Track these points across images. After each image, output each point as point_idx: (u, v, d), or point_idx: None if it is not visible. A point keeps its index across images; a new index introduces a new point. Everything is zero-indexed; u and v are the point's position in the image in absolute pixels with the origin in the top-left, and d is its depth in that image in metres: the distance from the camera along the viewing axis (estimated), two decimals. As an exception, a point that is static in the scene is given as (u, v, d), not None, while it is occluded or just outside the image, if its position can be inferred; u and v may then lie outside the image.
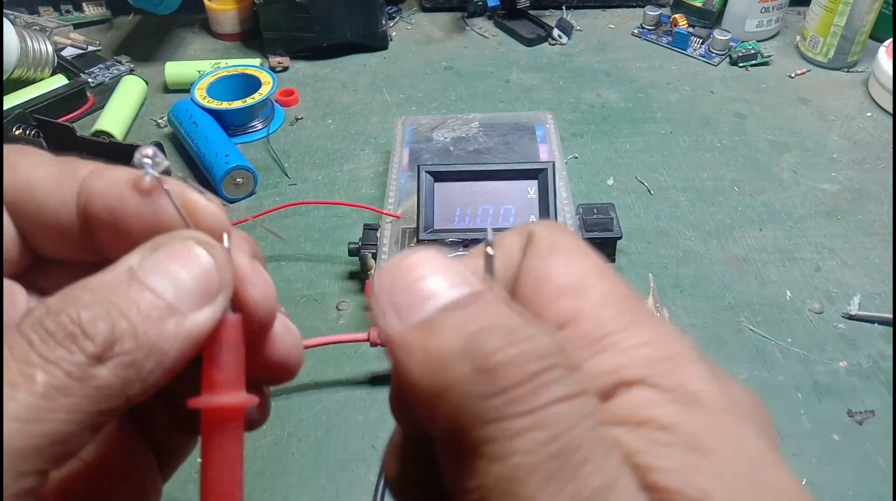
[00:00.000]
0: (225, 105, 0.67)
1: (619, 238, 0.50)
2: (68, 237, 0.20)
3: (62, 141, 0.65)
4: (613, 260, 0.52)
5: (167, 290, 0.18)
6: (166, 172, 0.19)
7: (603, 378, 0.16)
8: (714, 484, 0.15)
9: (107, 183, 0.19)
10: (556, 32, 0.84)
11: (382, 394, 0.46)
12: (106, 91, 0.74)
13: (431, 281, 0.16)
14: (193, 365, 0.19)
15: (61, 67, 0.76)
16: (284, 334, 0.21)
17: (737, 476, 0.15)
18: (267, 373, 0.21)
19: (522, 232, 0.19)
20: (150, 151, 0.18)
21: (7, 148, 0.20)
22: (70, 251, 0.20)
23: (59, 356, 0.16)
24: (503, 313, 0.16)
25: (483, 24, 0.88)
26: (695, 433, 0.15)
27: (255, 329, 0.20)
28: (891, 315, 0.50)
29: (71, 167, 0.20)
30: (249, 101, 0.68)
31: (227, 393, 0.19)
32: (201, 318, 0.18)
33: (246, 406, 0.19)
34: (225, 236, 0.20)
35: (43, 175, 0.20)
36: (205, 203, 0.19)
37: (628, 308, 0.17)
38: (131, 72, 0.78)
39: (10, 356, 0.16)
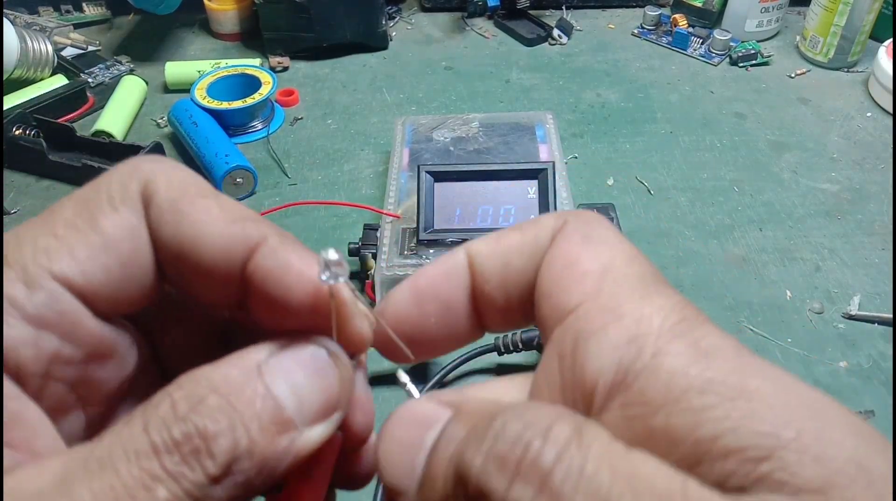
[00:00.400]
0: (225, 105, 0.67)
1: (619, 238, 0.50)
2: (213, 288, 0.19)
3: (62, 141, 0.65)
4: (613, 260, 0.52)
5: (290, 401, 0.17)
6: (342, 276, 0.18)
7: (614, 353, 0.16)
8: (777, 421, 0.14)
9: (277, 266, 0.18)
10: (556, 32, 0.84)
11: (382, 394, 0.46)
12: (106, 91, 0.74)
13: (414, 435, 0.18)
14: None
15: (61, 67, 0.77)
16: (367, 451, 0.21)
17: (788, 403, 0.15)
18: (342, 483, 0.21)
19: (559, 218, 0.20)
20: (334, 257, 0.17)
21: (169, 167, 0.19)
22: (206, 296, 0.20)
23: (182, 473, 0.16)
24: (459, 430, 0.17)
25: (483, 24, 0.88)
26: (728, 381, 0.15)
27: (347, 448, 0.20)
28: (891, 315, 0.50)
29: (244, 232, 0.18)
30: (249, 101, 0.68)
31: None
32: (314, 435, 0.18)
33: None
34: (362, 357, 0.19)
35: (215, 234, 0.18)
36: (359, 319, 0.19)
37: (651, 282, 0.18)
38: (131, 72, 0.78)
39: (132, 454, 0.15)
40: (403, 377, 0.20)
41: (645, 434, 0.15)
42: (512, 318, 0.21)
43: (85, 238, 0.18)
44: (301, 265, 0.18)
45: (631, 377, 0.16)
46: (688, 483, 0.14)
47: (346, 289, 0.18)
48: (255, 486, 0.17)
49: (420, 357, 0.22)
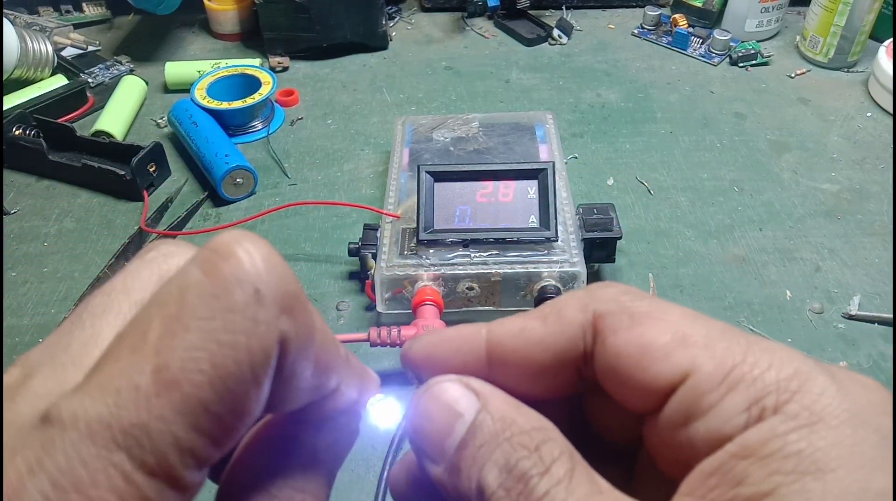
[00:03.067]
0: (225, 105, 0.67)
1: (619, 238, 0.50)
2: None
3: (62, 141, 0.65)
4: (613, 260, 0.52)
5: None
6: None
7: (739, 417, 0.17)
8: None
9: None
10: (556, 32, 0.84)
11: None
12: (106, 91, 0.74)
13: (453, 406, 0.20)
14: None
15: (61, 67, 0.77)
16: None
17: (845, 490, 0.15)
18: None
19: (584, 309, 0.20)
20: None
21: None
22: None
23: None
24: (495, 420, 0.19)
25: (483, 24, 0.88)
26: (816, 456, 0.16)
27: None
28: (891, 315, 0.50)
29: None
30: (249, 101, 0.68)
31: None
32: None
33: None
34: None
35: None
36: None
37: (733, 338, 0.18)
38: (131, 72, 0.78)
39: None
40: None
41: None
42: (528, 395, 0.21)
43: None
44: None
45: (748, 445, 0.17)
46: None
47: None
48: None
49: None
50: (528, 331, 0.21)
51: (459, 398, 0.20)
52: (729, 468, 0.16)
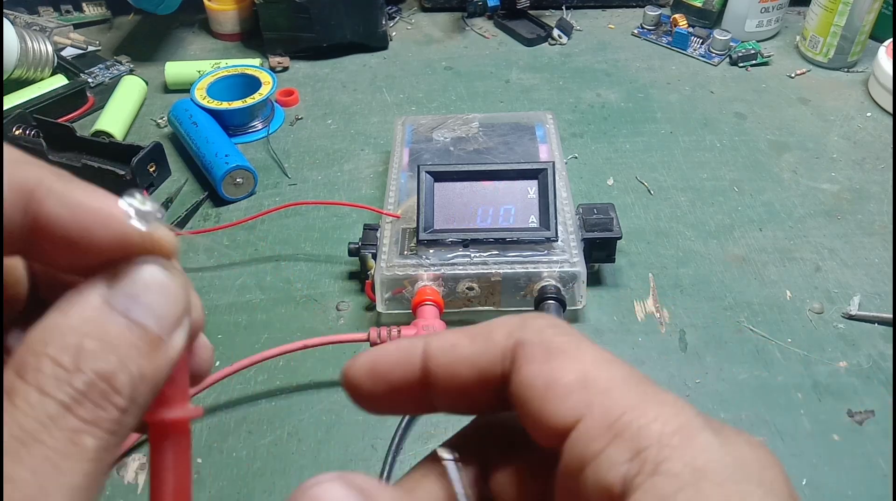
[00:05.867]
0: (225, 105, 0.67)
1: (619, 238, 0.50)
2: None
3: (62, 141, 0.65)
4: (613, 260, 0.52)
5: (150, 321, 0.19)
6: (154, 215, 0.19)
7: (621, 466, 0.17)
8: None
9: (71, 212, 0.20)
10: (556, 32, 0.84)
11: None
12: (106, 91, 0.74)
13: None
14: None
15: (61, 67, 0.76)
16: (202, 348, 0.23)
17: None
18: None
19: (508, 335, 0.21)
20: (146, 206, 0.19)
21: None
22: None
23: (98, 416, 0.17)
24: None
25: (483, 24, 0.88)
26: None
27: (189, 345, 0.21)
28: (891, 315, 0.50)
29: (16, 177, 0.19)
30: (249, 101, 0.68)
31: (178, 407, 0.20)
32: (179, 341, 0.19)
33: (194, 417, 0.21)
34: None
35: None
36: (165, 234, 0.20)
37: (633, 386, 0.19)
38: (131, 72, 0.78)
39: (47, 421, 0.16)
40: (446, 454, 0.22)
41: None
42: (458, 409, 0.22)
43: None
44: (102, 211, 0.20)
45: (631, 492, 0.17)
46: None
47: (161, 227, 0.20)
48: (149, 402, 0.19)
49: (374, 413, 0.24)
50: (457, 348, 0.21)
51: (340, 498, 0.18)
52: None
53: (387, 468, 0.41)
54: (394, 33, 0.87)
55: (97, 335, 0.18)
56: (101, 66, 0.79)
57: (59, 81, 0.73)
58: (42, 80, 0.73)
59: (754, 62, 0.79)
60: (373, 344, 0.44)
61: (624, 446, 0.17)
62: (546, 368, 0.20)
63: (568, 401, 0.19)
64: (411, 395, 0.22)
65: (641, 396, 0.18)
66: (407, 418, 0.43)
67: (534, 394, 0.19)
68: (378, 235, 0.51)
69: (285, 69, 0.80)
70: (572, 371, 0.19)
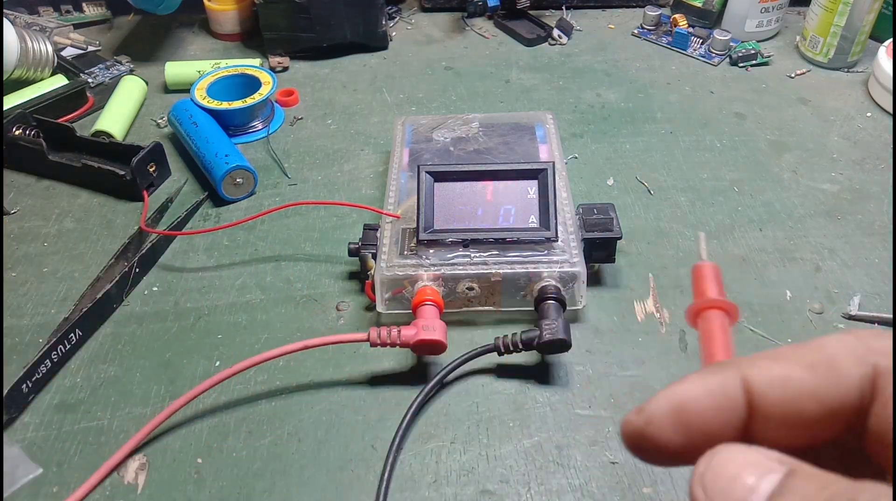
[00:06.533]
0: (225, 105, 0.67)
1: (619, 238, 0.50)
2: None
3: (62, 141, 0.65)
4: (613, 260, 0.52)
5: None
6: None
7: None
8: None
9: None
10: (556, 32, 0.84)
11: (382, 394, 0.46)
12: (106, 91, 0.74)
13: (746, 478, 0.17)
14: None
15: (61, 67, 0.76)
16: None
17: None
18: None
19: (859, 359, 0.19)
20: None
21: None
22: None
23: None
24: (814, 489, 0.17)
25: (483, 24, 0.88)
26: None
27: None
28: (891, 315, 0.50)
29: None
30: (249, 101, 0.68)
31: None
32: None
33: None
34: None
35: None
36: None
37: None
38: (131, 72, 0.78)
39: None
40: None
41: None
42: (783, 446, 0.19)
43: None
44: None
45: None
46: None
47: None
48: None
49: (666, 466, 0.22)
50: (794, 382, 0.19)
51: (762, 460, 0.18)
52: None
53: (387, 468, 0.41)
54: (394, 33, 0.87)
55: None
56: (101, 66, 0.79)
57: (59, 81, 0.73)
58: (42, 80, 0.73)
59: (754, 62, 0.79)
60: (373, 345, 0.44)
61: None
62: None
63: None
64: (724, 440, 0.19)
65: None
66: (407, 418, 0.43)
67: None
68: (378, 235, 0.51)
69: (285, 69, 0.80)
70: None
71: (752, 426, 0.19)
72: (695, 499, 0.18)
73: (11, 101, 0.69)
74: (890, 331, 0.19)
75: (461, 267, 0.48)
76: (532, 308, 0.48)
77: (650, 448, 0.19)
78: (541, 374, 0.47)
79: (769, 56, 0.79)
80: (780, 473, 0.17)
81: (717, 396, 0.19)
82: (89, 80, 0.76)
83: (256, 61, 0.78)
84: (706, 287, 0.27)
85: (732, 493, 0.17)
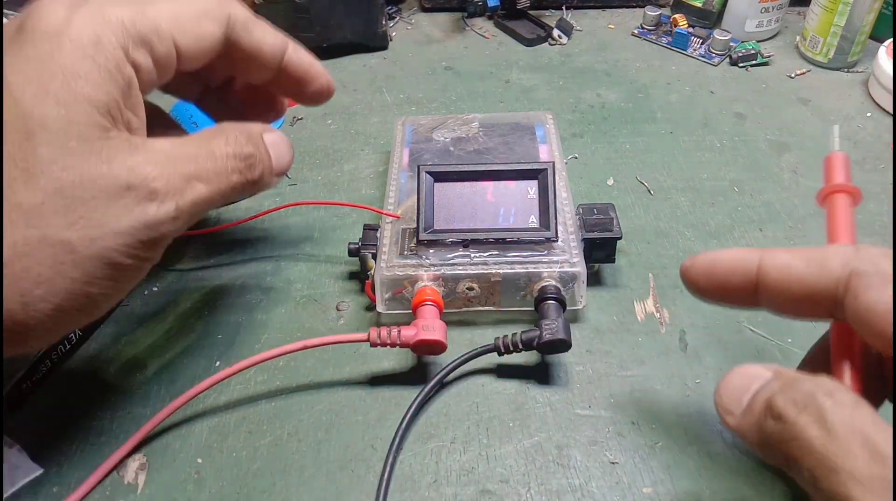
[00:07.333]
0: (225, 105, 0.67)
1: (619, 238, 0.50)
2: (258, 71, 0.43)
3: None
4: (613, 260, 0.52)
5: (273, 152, 0.40)
6: None
7: None
8: None
9: (301, 62, 0.46)
10: (556, 33, 0.84)
11: (382, 394, 0.46)
12: (106, 91, 0.74)
13: (745, 382, 0.29)
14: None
15: (61, 67, 0.76)
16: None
17: None
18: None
19: (844, 263, 0.27)
20: None
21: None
22: (252, 74, 0.44)
23: (244, 172, 0.37)
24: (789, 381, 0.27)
25: (483, 25, 0.88)
26: None
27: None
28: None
29: (282, 41, 0.44)
30: (249, 101, 0.67)
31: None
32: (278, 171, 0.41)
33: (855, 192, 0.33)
34: None
35: (271, 42, 0.45)
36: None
37: None
38: (131, 72, 0.78)
39: (225, 152, 0.36)
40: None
41: None
42: (780, 312, 0.30)
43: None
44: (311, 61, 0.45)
45: None
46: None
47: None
48: (258, 185, 0.39)
49: (702, 300, 0.33)
50: (791, 268, 0.28)
51: (758, 370, 0.29)
52: None
53: (386, 468, 0.41)
54: (394, 33, 0.87)
55: (256, 142, 0.39)
56: (101, 66, 0.79)
57: (59, 81, 0.73)
58: (42, 80, 0.73)
59: (754, 62, 0.79)
60: (373, 345, 0.44)
61: None
62: (885, 294, 0.25)
63: None
64: (738, 295, 0.30)
65: None
66: (407, 418, 0.43)
67: (876, 318, 0.26)
68: (378, 235, 0.51)
69: (285, 69, 0.80)
70: None
71: (756, 293, 0.29)
72: (717, 403, 0.29)
73: (11, 101, 0.68)
74: (889, 250, 0.27)
75: (461, 267, 0.48)
76: (532, 308, 0.48)
77: (690, 283, 0.32)
78: (541, 374, 0.47)
79: (769, 56, 0.79)
80: (768, 377, 0.28)
81: (737, 263, 0.30)
82: (89, 80, 0.76)
83: (256, 61, 0.78)
84: (835, 174, 0.33)
85: (736, 392, 0.29)
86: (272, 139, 0.39)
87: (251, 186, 0.37)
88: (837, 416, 0.25)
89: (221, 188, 0.35)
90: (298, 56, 0.44)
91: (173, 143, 0.33)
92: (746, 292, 0.29)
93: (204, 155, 0.34)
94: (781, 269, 0.28)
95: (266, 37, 0.42)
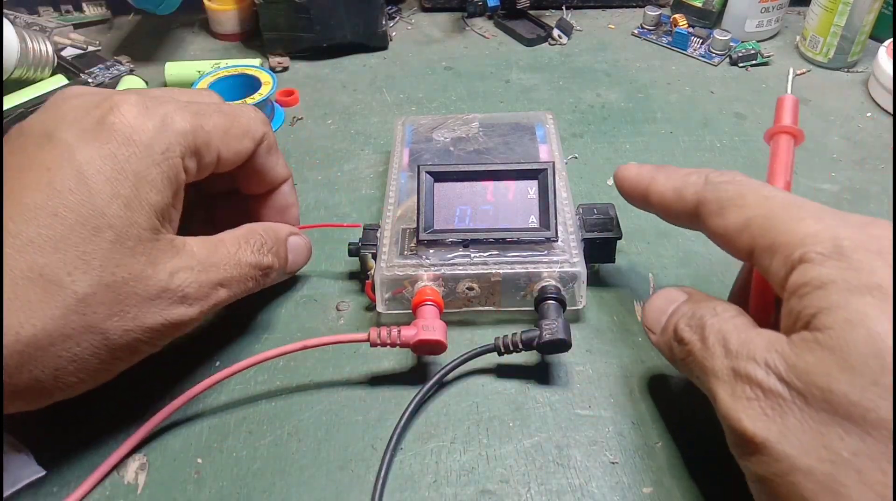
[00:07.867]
0: (225, 105, 0.67)
1: (619, 238, 0.50)
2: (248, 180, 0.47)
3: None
4: (613, 260, 0.52)
5: (292, 258, 0.48)
6: None
7: (791, 257, 0.31)
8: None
9: (274, 170, 0.48)
10: (556, 32, 0.84)
11: (382, 394, 0.46)
12: (106, 91, 0.74)
13: (663, 304, 0.38)
14: None
15: (61, 67, 0.77)
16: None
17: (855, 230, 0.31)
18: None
19: (696, 191, 0.37)
20: None
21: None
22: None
23: (260, 278, 0.44)
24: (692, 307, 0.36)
25: (483, 24, 0.88)
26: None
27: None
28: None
29: (277, 165, 0.48)
30: (249, 101, 0.68)
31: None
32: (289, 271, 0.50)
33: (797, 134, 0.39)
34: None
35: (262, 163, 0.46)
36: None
37: (780, 211, 0.33)
38: (131, 72, 0.78)
39: (241, 260, 0.42)
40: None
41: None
42: (663, 216, 0.41)
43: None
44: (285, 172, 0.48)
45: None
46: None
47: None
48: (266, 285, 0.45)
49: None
50: (664, 196, 0.38)
51: (676, 294, 0.37)
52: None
53: (383, 467, 0.41)
54: (394, 33, 0.87)
55: (278, 248, 0.45)
56: (101, 66, 0.79)
57: (60, 81, 0.73)
58: (42, 80, 0.73)
59: (754, 62, 0.79)
60: (373, 345, 0.44)
61: (780, 254, 0.31)
62: (720, 222, 0.34)
63: (738, 242, 0.33)
64: (639, 200, 0.42)
65: (786, 222, 0.32)
66: (405, 418, 0.43)
67: (718, 240, 0.35)
68: (378, 235, 0.51)
69: (285, 69, 0.80)
70: (739, 218, 0.33)
71: (647, 200, 0.41)
72: (642, 322, 0.39)
73: (11, 101, 0.69)
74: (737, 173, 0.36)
75: (461, 267, 0.48)
76: (532, 308, 0.48)
77: (619, 187, 0.44)
78: (541, 374, 0.47)
79: (769, 56, 0.79)
80: (683, 299, 0.36)
81: (636, 180, 0.41)
82: (89, 80, 0.76)
83: (256, 61, 0.78)
84: (783, 115, 0.37)
85: (656, 313, 0.37)
86: (294, 243, 0.47)
87: (260, 288, 0.44)
88: (713, 327, 0.32)
89: (238, 293, 0.41)
90: (290, 189, 0.49)
91: (208, 248, 0.39)
92: (642, 199, 0.41)
93: (232, 264, 0.40)
94: (656, 196, 0.39)
95: (279, 164, 0.47)
